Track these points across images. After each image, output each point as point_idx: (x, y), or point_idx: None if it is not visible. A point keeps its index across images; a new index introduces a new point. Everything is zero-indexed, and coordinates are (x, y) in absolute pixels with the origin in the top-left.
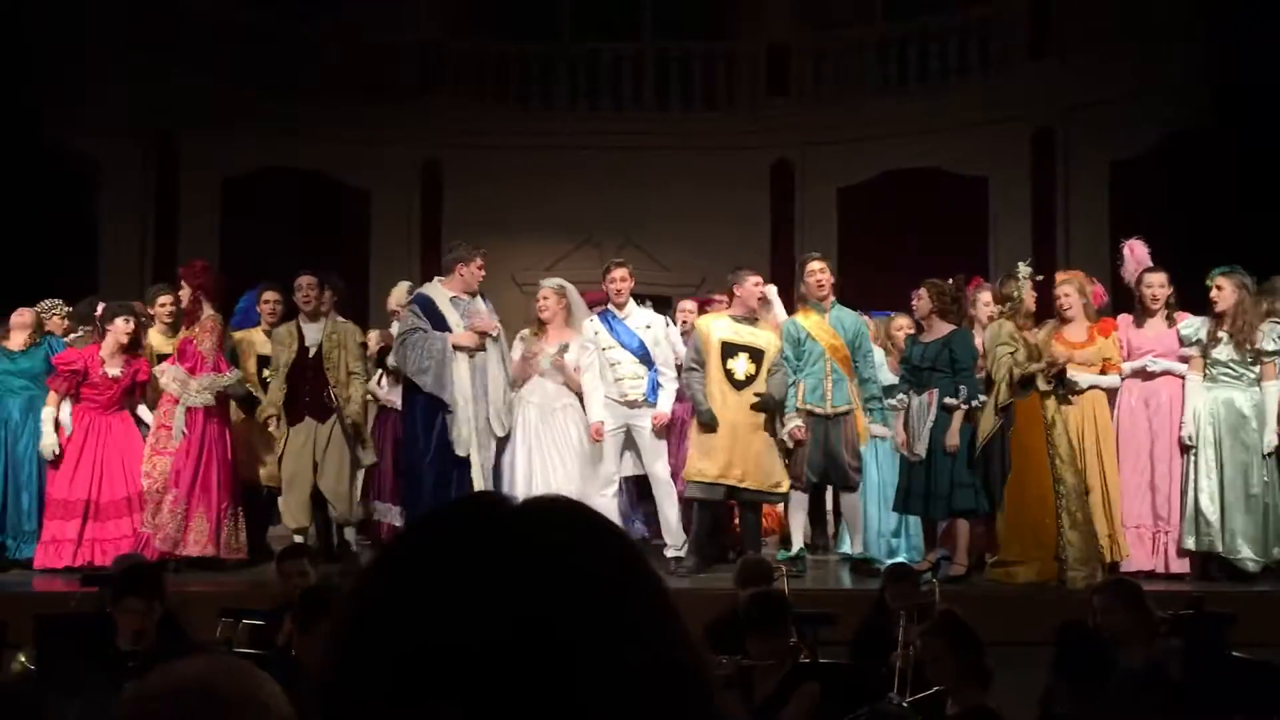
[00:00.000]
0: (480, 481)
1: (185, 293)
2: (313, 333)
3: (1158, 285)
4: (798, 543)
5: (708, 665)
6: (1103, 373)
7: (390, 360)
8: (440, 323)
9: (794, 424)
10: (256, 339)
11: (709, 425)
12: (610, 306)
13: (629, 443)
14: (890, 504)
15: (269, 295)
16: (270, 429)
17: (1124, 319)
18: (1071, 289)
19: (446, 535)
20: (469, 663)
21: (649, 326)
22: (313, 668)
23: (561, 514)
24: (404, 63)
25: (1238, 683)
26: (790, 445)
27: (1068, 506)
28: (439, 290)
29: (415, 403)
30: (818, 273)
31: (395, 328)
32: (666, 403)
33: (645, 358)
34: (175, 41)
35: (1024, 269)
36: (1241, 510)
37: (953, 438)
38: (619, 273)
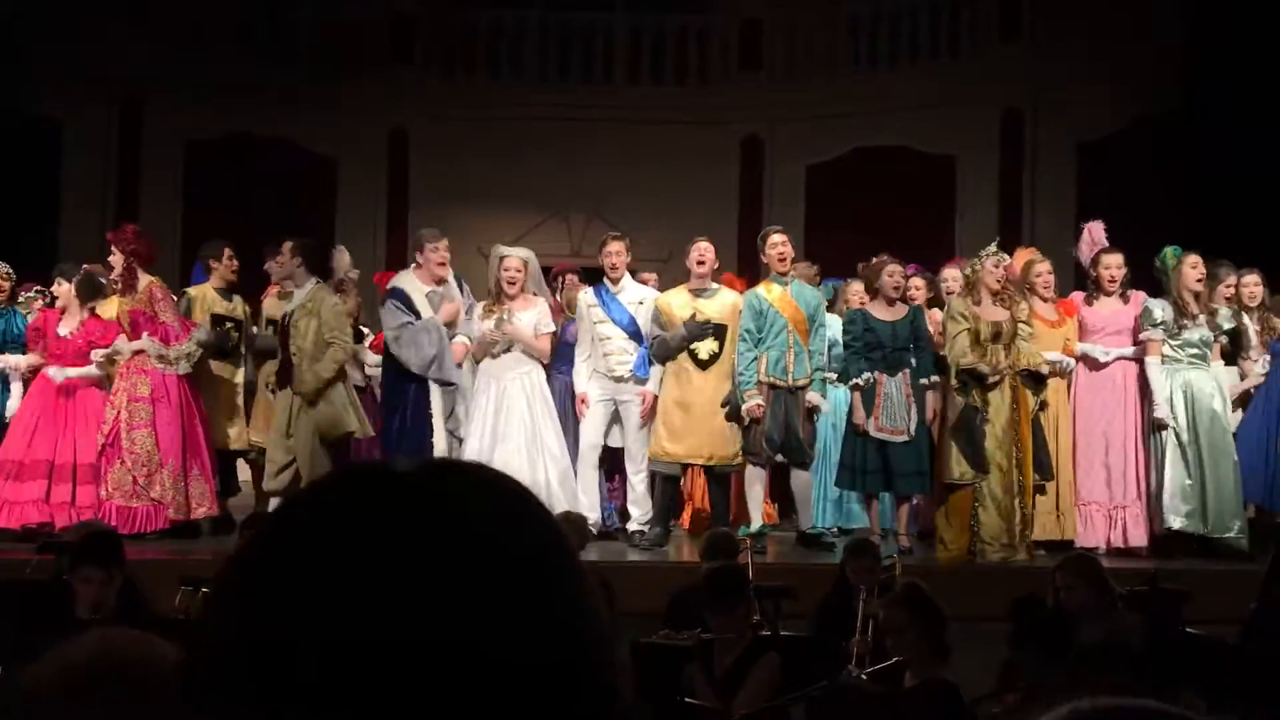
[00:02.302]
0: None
1: (117, 259)
2: (294, 299)
3: (1115, 266)
4: (757, 519)
5: (616, 659)
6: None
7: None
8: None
9: (753, 402)
10: (208, 295)
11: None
12: (605, 280)
13: (614, 417)
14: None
15: (229, 251)
16: (269, 396)
17: (1076, 297)
18: (1049, 268)
19: (329, 510)
20: (356, 662)
21: (641, 302)
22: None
23: (468, 478)
24: (374, 31)
25: (1191, 658)
26: (748, 421)
27: (989, 486)
28: (414, 284)
29: (392, 385)
30: (779, 245)
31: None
32: (656, 380)
33: (636, 334)
34: (142, 5)
35: (990, 248)
36: (1226, 488)
37: (933, 406)
38: (614, 246)
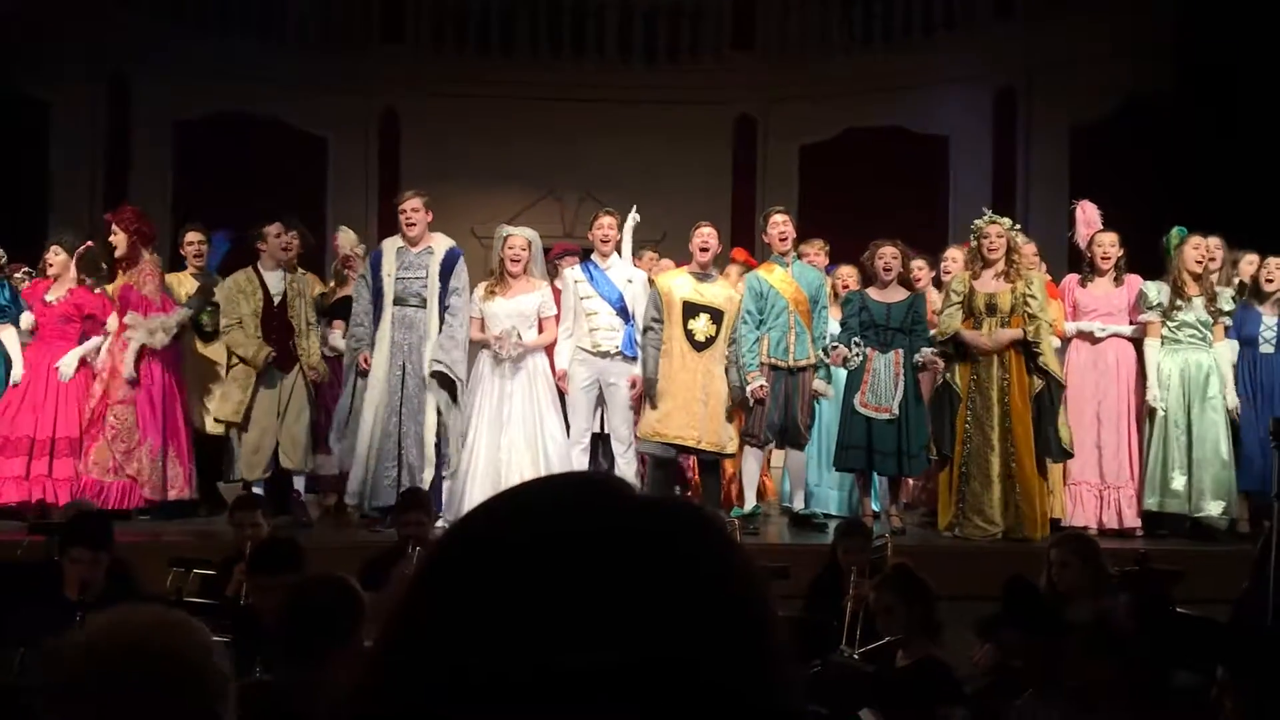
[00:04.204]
0: (365, 438)
1: (120, 238)
2: (275, 281)
3: (1109, 244)
4: (751, 500)
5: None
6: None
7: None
8: (377, 278)
9: (756, 384)
10: (184, 281)
11: (650, 388)
12: (593, 256)
13: (600, 399)
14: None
15: (192, 236)
16: (238, 374)
17: (1071, 279)
18: (1034, 250)
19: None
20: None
21: (631, 280)
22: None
23: (684, 518)
24: (363, 8)
25: (1181, 638)
26: (751, 403)
27: (978, 460)
28: (394, 240)
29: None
30: (780, 225)
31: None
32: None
33: (623, 310)
34: None
35: (980, 220)
36: (1212, 469)
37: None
38: (606, 220)
